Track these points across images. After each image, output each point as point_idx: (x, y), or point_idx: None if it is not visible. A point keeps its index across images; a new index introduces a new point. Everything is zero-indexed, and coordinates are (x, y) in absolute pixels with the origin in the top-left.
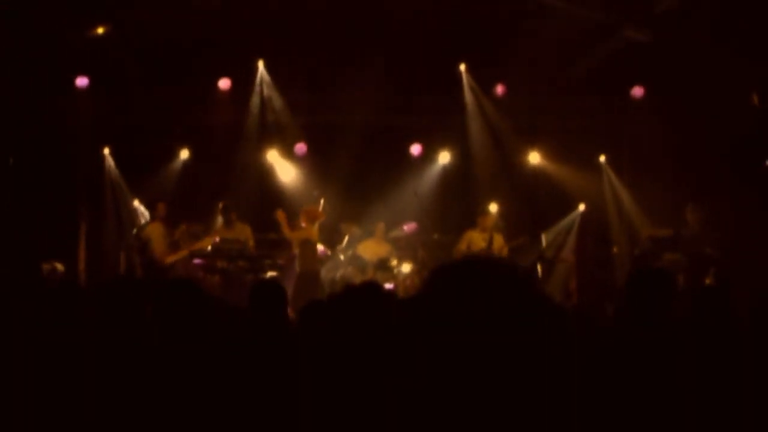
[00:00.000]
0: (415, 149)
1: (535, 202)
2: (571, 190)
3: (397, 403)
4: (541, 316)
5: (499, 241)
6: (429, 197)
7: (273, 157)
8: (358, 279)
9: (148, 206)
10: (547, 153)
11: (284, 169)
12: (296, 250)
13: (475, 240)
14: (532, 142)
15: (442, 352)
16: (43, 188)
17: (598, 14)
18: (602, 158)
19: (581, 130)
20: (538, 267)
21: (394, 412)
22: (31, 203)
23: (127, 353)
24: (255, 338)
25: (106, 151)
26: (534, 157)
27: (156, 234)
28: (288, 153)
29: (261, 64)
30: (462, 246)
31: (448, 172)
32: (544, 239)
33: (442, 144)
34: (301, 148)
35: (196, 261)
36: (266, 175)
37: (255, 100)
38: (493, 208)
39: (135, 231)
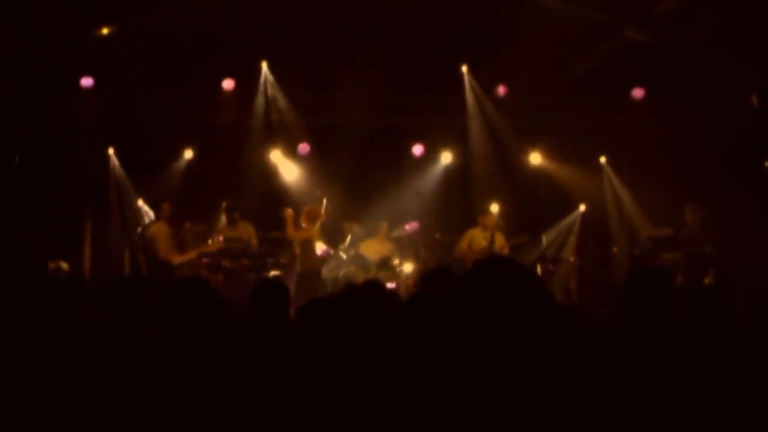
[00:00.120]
0: (417, 149)
1: (535, 202)
2: (571, 190)
3: (399, 400)
4: (546, 316)
5: (500, 240)
6: (431, 197)
7: (276, 156)
8: (360, 278)
9: (152, 206)
10: (547, 153)
11: (287, 168)
12: (297, 250)
13: (476, 239)
14: (533, 143)
15: (444, 350)
16: (48, 187)
17: (598, 14)
18: (602, 158)
19: (581, 130)
20: (538, 267)
21: (396, 409)
22: (37, 202)
23: (132, 352)
24: (257, 337)
25: (111, 150)
26: (534, 158)
27: (161, 233)
28: (291, 153)
29: (264, 65)
30: (463, 245)
31: (449, 172)
32: (544, 239)
33: (443, 144)
34: (304, 147)
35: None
36: (269, 174)
37: (259, 101)
38: (494, 208)
39: (140, 230)
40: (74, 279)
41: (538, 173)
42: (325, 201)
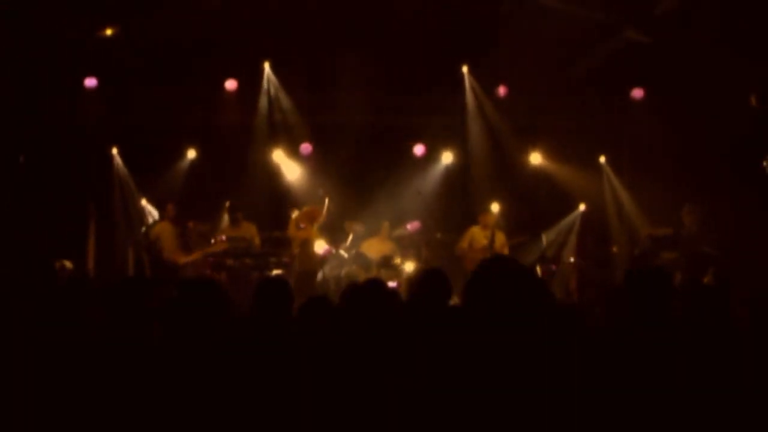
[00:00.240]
0: (419, 149)
1: (535, 202)
2: (571, 190)
3: (400, 399)
4: (547, 316)
5: (500, 238)
6: (432, 196)
7: (279, 156)
8: (362, 277)
9: (156, 205)
10: (547, 153)
11: (290, 168)
12: (296, 250)
13: (477, 237)
14: (533, 142)
15: (444, 350)
16: (52, 187)
17: (598, 14)
18: (602, 158)
19: (581, 130)
20: (538, 267)
21: (397, 407)
22: (41, 202)
23: (133, 352)
24: (260, 335)
25: (115, 150)
26: (535, 157)
27: (166, 233)
28: (293, 153)
29: (267, 65)
30: (464, 243)
31: (450, 172)
32: (544, 239)
33: (444, 144)
34: (306, 147)
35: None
36: (272, 174)
37: (262, 101)
38: (495, 207)
39: (144, 230)
40: (78, 278)
41: (538, 173)
42: (327, 201)
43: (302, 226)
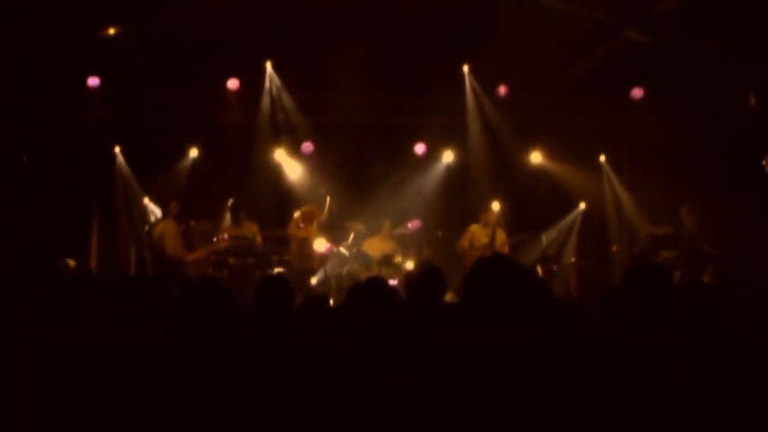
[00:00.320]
0: (420, 148)
1: (535, 201)
2: (571, 190)
3: (401, 396)
4: (546, 315)
5: (501, 237)
6: (433, 195)
7: (280, 155)
8: (363, 275)
9: (160, 204)
10: (547, 153)
11: (291, 167)
12: (294, 249)
13: (477, 235)
14: (533, 142)
15: (444, 349)
16: (55, 186)
17: (598, 14)
18: (602, 158)
19: (581, 130)
20: (539, 267)
21: (398, 404)
22: (44, 201)
23: (135, 350)
24: (262, 333)
25: (117, 149)
26: (535, 157)
27: (169, 231)
28: (295, 152)
29: (269, 65)
30: (464, 241)
31: (451, 171)
32: (544, 238)
33: (445, 143)
34: (308, 147)
35: (205, 257)
36: (274, 173)
37: (265, 100)
38: (496, 206)
39: (147, 228)
40: (81, 276)
41: (538, 172)
42: (328, 200)
43: (301, 225)
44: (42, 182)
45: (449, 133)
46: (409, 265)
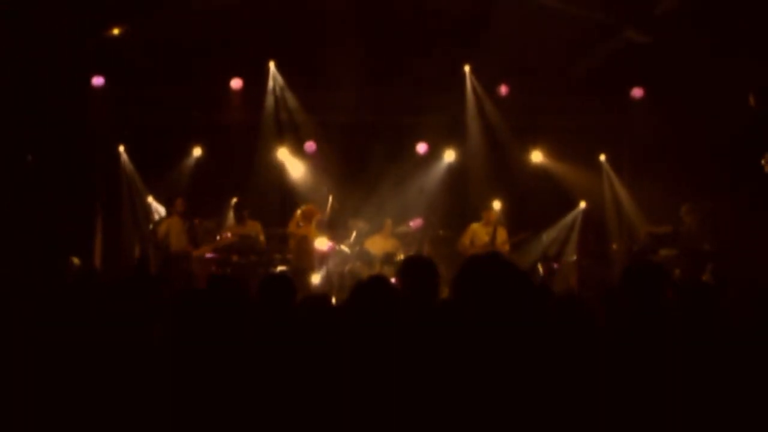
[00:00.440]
0: (421, 147)
1: (536, 200)
2: (571, 189)
3: (401, 394)
4: (545, 314)
5: (502, 235)
6: (434, 194)
7: (283, 154)
8: (365, 273)
9: (165, 202)
10: (548, 152)
11: (294, 166)
12: (293, 247)
13: (478, 234)
14: (534, 142)
15: (445, 348)
16: (60, 185)
17: (598, 14)
18: (602, 157)
19: (581, 130)
20: (540, 266)
21: (398, 402)
22: (49, 200)
23: (137, 349)
24: (264, 331)
25: (122, 148)
26: (536, 156)
27: (175, 229)
28: (298, 151)
29: (272, 64)
30: (465, 240)
31: (453, 170)
32: (544, 237)
33: (447, 142)
34: (310, 146)
35: (209, 255)
36: (277, 172)
37: (268, 99)
38: (497, 204)
39: (151, 227)
40: (85, 274)
41: (538, 171)
42: (330, 198)
43: (301, 224)
44: (46, 181)
45: (450, 132)
46: None
